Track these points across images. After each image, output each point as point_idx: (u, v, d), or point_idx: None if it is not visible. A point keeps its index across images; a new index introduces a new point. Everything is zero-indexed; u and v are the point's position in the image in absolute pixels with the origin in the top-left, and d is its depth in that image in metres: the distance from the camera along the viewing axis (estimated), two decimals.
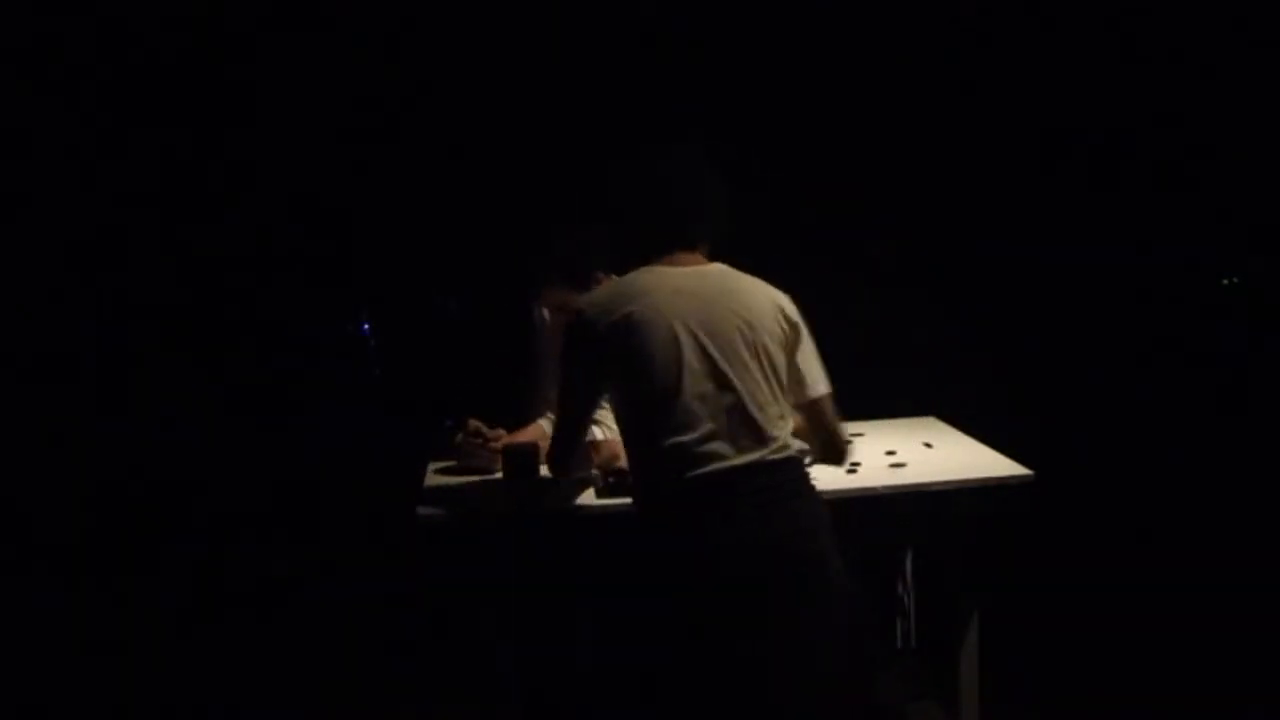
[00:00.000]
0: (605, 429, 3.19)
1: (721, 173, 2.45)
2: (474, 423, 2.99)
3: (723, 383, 2.26)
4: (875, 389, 3.16)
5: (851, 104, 4.61)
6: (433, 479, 2.95)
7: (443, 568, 2.85)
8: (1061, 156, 4.94)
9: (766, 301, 2.36)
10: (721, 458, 2.23)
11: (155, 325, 4.62)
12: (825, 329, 2.47)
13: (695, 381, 2.25)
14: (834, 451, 2.48)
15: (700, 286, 2.33)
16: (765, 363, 2.30)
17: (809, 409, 2.43)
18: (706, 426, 2.23)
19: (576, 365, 2.39)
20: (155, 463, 4.53)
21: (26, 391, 4.43)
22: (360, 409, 4.85)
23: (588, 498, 2.71)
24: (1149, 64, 4.84)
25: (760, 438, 2.26)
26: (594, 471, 2.81)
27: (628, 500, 2.59)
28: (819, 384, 2.41)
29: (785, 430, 2.32)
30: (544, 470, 2.89)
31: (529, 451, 2.88)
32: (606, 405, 3.16)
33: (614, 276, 3.27)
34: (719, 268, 2.41)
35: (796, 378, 2.39)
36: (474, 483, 2.89)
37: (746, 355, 2.28)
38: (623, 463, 2.53)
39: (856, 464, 2.76)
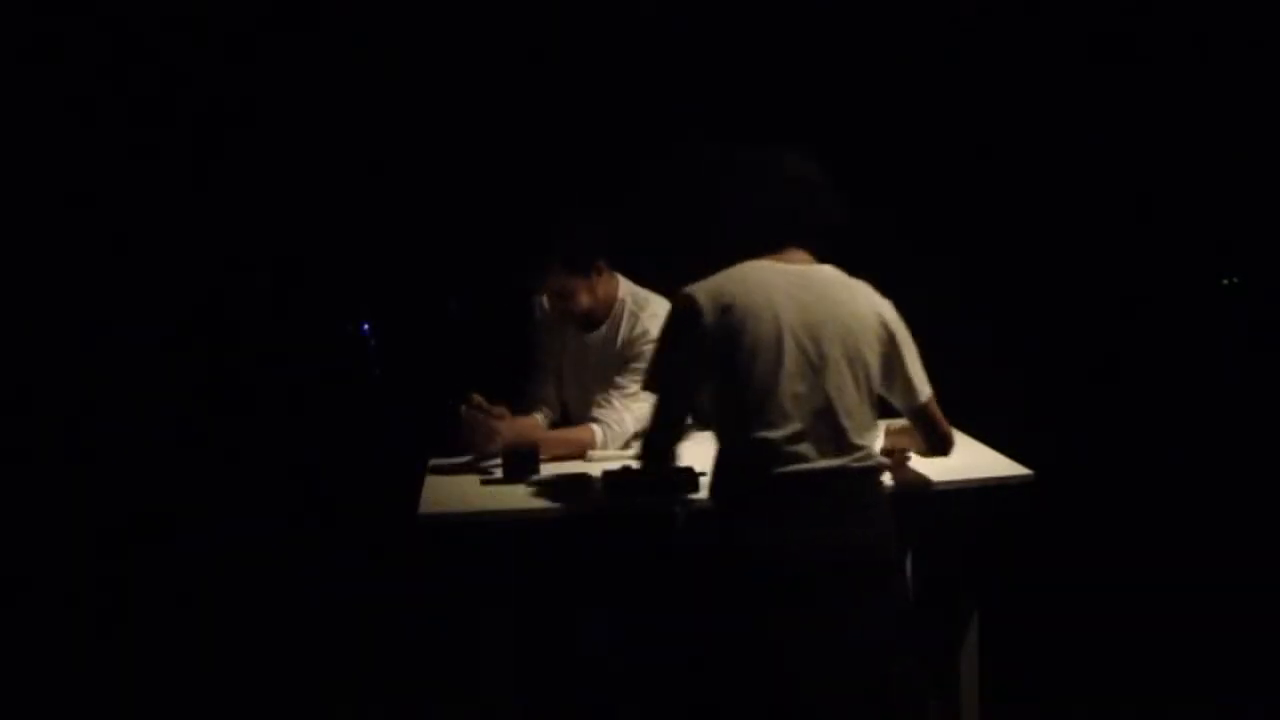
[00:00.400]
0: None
1: (830, 174, 2.46)
2: (477, 397, 3.00)
3: (815, 385, 2.28)
4: None
5: (852, 103, 4.61)
6: (433, 479, 2.95)
7: (443, 568, 2.85)
8: (1061, 157, 4.94)
9: (868, 308, 2.38)
10: (805, 459, 2.25)
11: (155, 325, 4.62)
12: None
13: (791, 380, 2.26)
14: (942, 447, 2.55)
15: (805, 287, 2.34)
16: (860, 370, 2.32)
17: (917, 413, 2.48)
18: (795, 426, 2.25)
19: (679, 349, 2.36)
20: (155, 462, 4.54)
21: (26, 391, 4.44)
22: (360, 409, 4.85)
23: (588, 498, 2.71)
24: (1149, 64, 4.84)
25: (844, 444, 2.28)
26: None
27: (628, 501, 2.59)
28: (924, 389, 2.45)
29: (870, 439, 2.34)
30: (543, 470, 2.91)
31: (529, 451, 2.89)
32: (606, 404, 3.19)
33: (618, 276, 3.31)
34: (826, 269, 2.42)
35: (903, 385, 2.42)
36: (474, 482, 2.89)
37: (842, 361, 2.30)
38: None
39: None
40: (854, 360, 2.32)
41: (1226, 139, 4.91)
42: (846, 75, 4.65)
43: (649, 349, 3.21)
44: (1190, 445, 4.80)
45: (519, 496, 2.75)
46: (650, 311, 3.24)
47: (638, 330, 3.23)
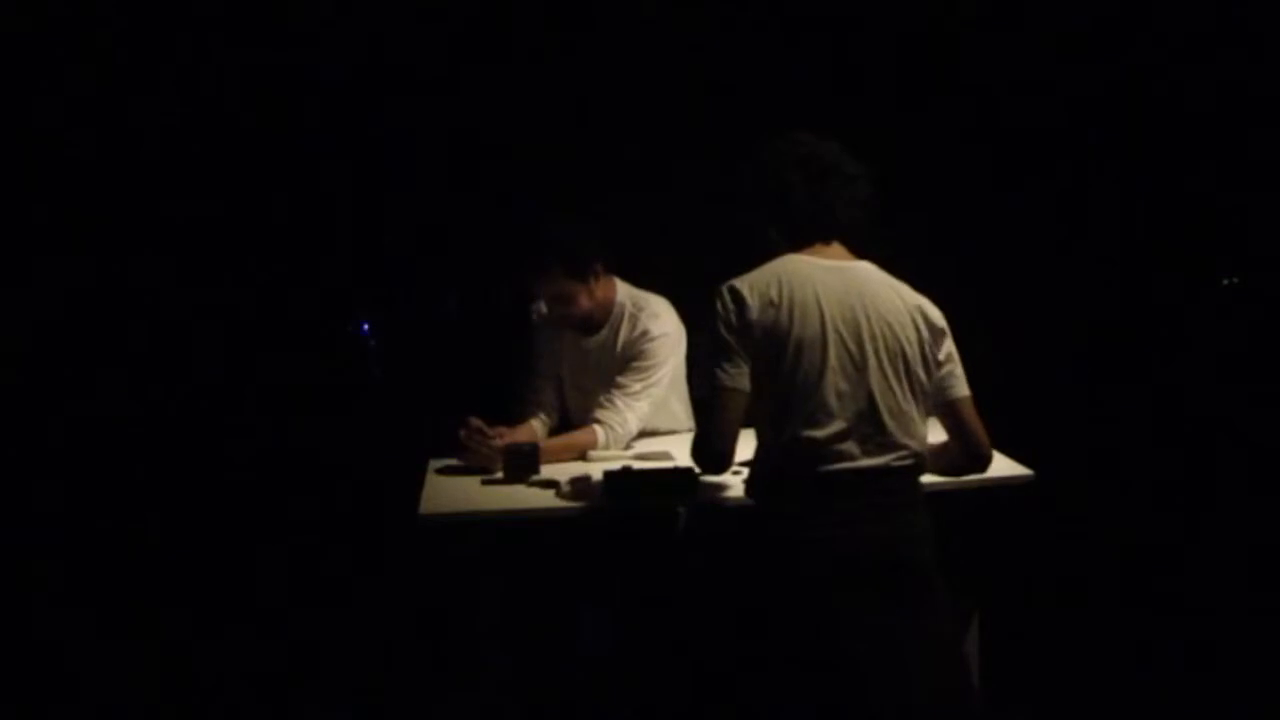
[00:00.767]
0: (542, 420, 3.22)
1: (866, 168, 2.43)
2: (475, 421, 3.00)
3: (859, 382, 2.27)
4: None
5: (853, 102, 4.61)
6: (433, 479, 2.95)
7: (443, 567, 2.85)
8: (1061, 157, 4.93)
9: (908, 304, 2.37)
10: (849, 457, 2.24)
11: (154, 325, 4.62)
12: None
13: (835, 377, 2.25)
14: (975, 455, 2.45)
15: (845, 282, 2.33)
16: (900, 367, 2.31)
17: (948, 410, 2.42)
18: (839, 424, 2.24)
19: (729, 341, 2.28)
20: (155, 462, 4.54)
21: (24, 390, 4.43)
22: (360, 409, 4.85)
23: (588, 498, 2.71)
24: (1148, 64, 4.84)
25: (887, 443, 2.27)
26: (561, 481, 2.80)
27: (628, 502, 2.60)
28: (958, 387, 2.41)
29: (912, 439, 2.31)
30: (543, 470, 2.91)
31: (529, 451, 2.89)
32: (606, 405, 3.19)
33: (615, 278, 3.31)
34: (864, 265, 2.41)
35: (936, 380, 2.39)
36: (474, 483, 2.89)
37: (884, 357, 2.29)
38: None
39: None
40: (895, 357, 2.30)
41: (1226, 139, 4.90)
42: (847, 70, 4.65)
43: (649, 348, 3.22)
44: (1190, 445, 4.80)
45: (519, 496, 2.76)
46: (650, 311, 3.25)
47: (637, 331, 3.23)
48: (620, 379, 3.20)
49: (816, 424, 2.24)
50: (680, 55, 4.53)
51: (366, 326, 5.07)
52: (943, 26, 4.69)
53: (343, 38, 4.55)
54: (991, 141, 4.83)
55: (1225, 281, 5.34)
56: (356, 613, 4.06)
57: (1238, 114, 4.85)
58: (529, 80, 4.59)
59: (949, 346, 2.41)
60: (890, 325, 2.32)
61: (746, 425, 2.33)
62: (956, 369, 2.42)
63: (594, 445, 3.10)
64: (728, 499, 2.63)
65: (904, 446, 2.29)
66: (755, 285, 2.31)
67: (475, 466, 2.99)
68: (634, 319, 3.24)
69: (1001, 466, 2.85)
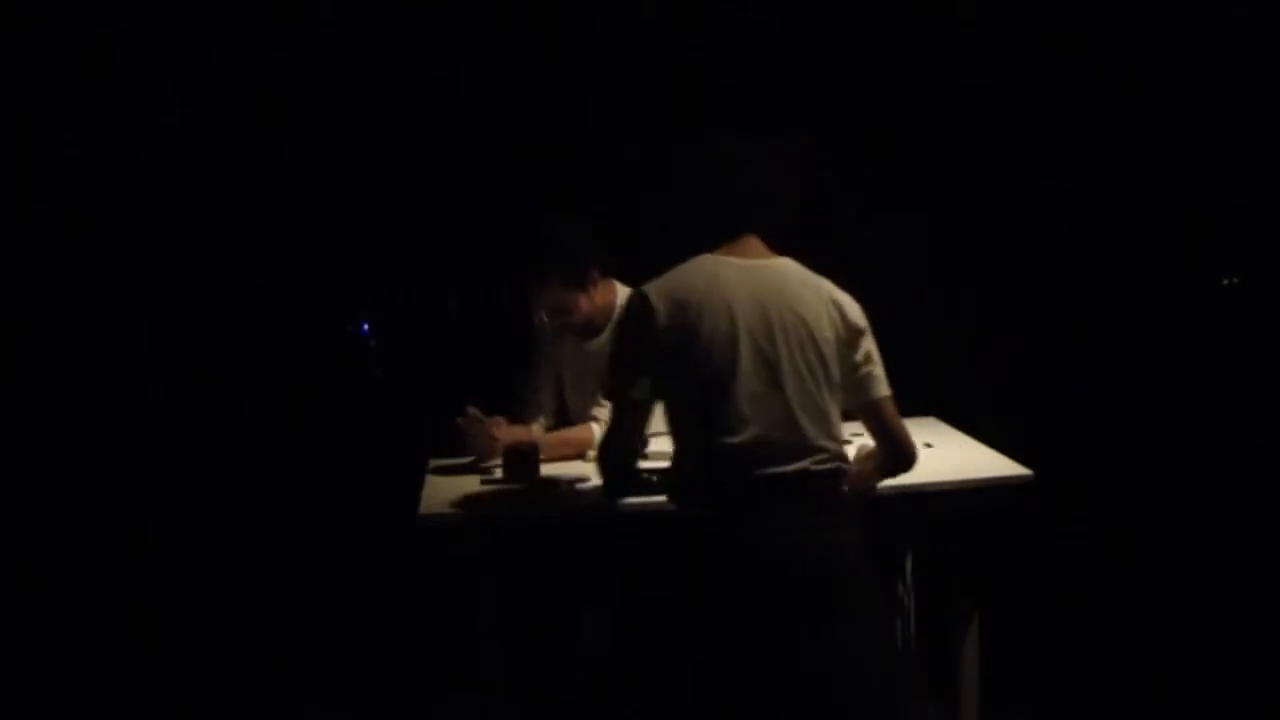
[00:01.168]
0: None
1: (789, 162, 2.39)
2: (473, 410, 3.00)
3: (774, 384, 2.21)
4: None
5: (854, 102, 4.61)
6: (432, 479, 2.95)
7: (442, 567, 2.85)
8: (1061, 157, 4.93)
9: (825, 301, 2.30)
10: (766, 463, 2.18)
11: (154, 325, 4.62)
12: None
13: (748, 381, 2.20)
14: (899, 456, 2.39)
15: (760, 281, 2.27)
16: (818, 366, 2.24)
17: (869, 411, 2.36)
18: (754, 430, 2.18)
19: (636, 352, 2.27)
20: (155, 462, 4.53)
21: (24, 391, 4.43)
22: (360, 409, 4.85)
23: (588, 498, 2.71)
24: (1148, 64, 4.84)
25: (805, 446, 2.21)
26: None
27: (630, 501, 2.59)
28: (878, 387, 2.34)
29: (830, 440, 2.25)
30: (543, 470, 2.91)
31: (529, 452, 2.89)
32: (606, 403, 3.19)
33: (613, 281, 3.31)
34: (782, 262, 2.35)
35: (854, 380, 2.31)
36: (474, 483, 2.89)
37: (799, 358, 2.23)
38: None
39: None
40: (811, 358, 2.24)
41: (1227, 139, 4.90)
42: (847, 70, 4.65)
43: None
44: (1190, 445, 4.80)
45: (519, 496, 2.75)
46: None
47: None
48: None
49: (731, 430, 2.18)
50: (680, 55, 4.53)
51: (366, 326, 5.07)
52: (943, 26, 4.68)
53: (342, 38, 4.56)
54: (991, 141, 4.83)
55: (1225, 281, 5.33)
56: (356, 613, 4.06)
57: (1238, 114, 4.85)
58: (528, 80, 4.59)
59: (868, 345, 2.34)
60: (804, 320, 2.25)
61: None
62: (876, 369, 2.34)
63: (590, 442, 3.10)
64: None
65: (822, 449, 2.23)
66: (663, 290, 2.27)
67: (473, 455, 2.99)
68: None
69: (1001, 466, 2.85)
